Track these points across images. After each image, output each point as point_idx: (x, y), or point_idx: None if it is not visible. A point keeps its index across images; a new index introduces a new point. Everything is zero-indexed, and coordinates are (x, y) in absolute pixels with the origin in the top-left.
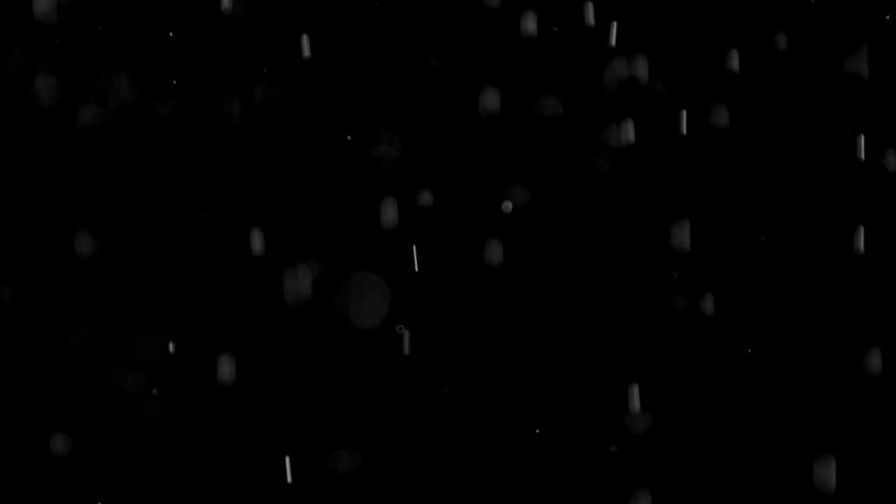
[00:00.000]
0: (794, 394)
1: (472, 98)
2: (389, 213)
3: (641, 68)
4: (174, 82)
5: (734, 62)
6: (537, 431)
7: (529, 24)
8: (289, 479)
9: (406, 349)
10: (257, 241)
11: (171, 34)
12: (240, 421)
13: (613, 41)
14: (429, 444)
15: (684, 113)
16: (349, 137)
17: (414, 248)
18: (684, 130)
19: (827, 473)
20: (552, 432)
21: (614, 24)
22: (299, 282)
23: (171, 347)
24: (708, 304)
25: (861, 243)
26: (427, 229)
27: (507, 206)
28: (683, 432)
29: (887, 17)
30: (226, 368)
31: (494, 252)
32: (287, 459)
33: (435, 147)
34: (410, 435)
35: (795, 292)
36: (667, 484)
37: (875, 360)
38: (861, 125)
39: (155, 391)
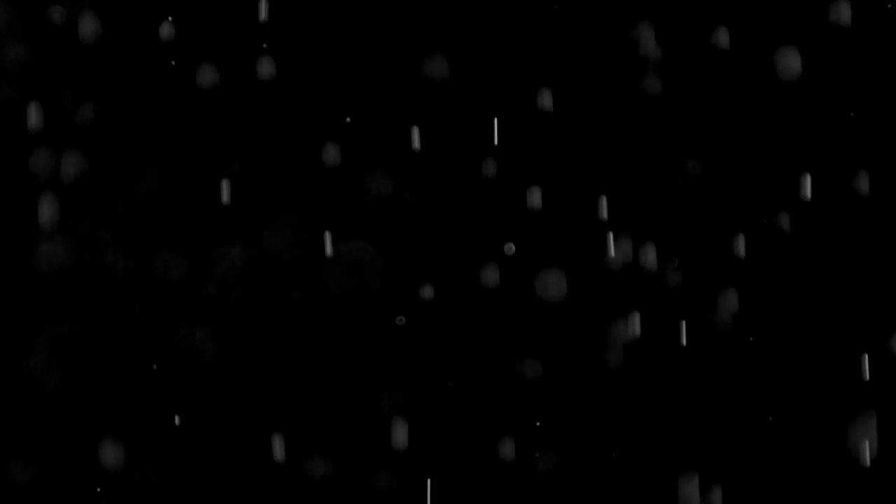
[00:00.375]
0: None
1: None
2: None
3: (650, 255)
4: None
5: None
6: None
7: (535, 198)
8: None
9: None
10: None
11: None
12: None
13: (612, 252)
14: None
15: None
16: (348, 119)
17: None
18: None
19: None
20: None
21: (611, 235)
22: None
23: None
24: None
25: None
26: (440, 415)
27: (510, 247)
28: None
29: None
30: None
31: (507, 451)
32: None
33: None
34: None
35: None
36: None
37: None
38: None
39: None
